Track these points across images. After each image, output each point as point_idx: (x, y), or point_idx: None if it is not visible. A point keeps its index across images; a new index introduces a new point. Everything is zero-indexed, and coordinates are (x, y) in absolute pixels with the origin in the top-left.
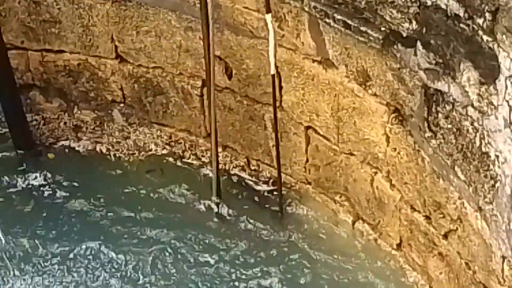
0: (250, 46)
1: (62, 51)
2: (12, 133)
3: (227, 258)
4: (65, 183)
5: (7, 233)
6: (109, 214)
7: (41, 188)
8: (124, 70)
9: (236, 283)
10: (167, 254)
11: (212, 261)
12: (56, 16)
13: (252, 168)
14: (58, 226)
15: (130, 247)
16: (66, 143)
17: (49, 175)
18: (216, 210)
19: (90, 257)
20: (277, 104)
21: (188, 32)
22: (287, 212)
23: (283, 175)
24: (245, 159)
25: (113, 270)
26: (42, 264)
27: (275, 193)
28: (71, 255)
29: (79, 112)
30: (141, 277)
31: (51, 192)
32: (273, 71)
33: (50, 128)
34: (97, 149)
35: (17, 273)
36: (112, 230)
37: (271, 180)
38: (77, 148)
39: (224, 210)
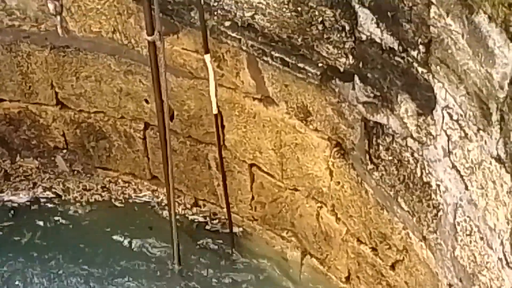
0: (191, 87)
1: (2, 100)
2: None
3: None
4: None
5: None
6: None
7: None
8: (66, 116)
9: None
10: None
11: None
12: None
13: (199, 207)
14: None
15: None
16: (7, 195)
17: None
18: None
19: None
20: (221, 143)
21: (128, 75)
22: (236, 249)
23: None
24: (191, 200)
25: None
26: None
27: (222, 231)
28: None
29: (21, 160)
30: None
31: None
32: (215, 110)
33: None
34: (42, 197)
35: None
36: None
37: (218, 219)
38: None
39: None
